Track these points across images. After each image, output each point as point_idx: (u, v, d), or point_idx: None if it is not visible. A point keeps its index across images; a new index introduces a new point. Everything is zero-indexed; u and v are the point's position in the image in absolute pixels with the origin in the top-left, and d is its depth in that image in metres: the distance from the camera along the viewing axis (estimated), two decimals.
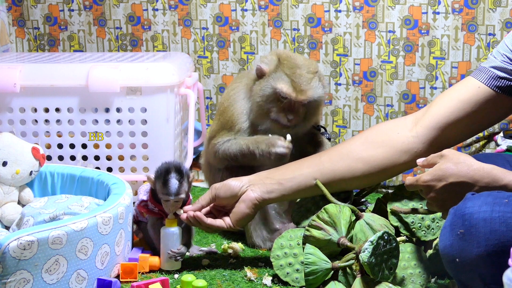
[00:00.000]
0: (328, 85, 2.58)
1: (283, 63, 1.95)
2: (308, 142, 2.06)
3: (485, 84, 1.65)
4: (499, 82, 1.64)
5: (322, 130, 2.12)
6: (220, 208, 1.82)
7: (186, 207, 1.82)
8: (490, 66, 1.66)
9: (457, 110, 1.67)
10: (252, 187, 1.78)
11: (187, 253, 1.90)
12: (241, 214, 1.78)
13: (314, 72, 1.96)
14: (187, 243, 1.85)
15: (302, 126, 1.99)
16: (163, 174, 1.80)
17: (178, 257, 1.81)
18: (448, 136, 1.69)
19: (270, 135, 1.94)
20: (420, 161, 1.59)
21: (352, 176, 1.74)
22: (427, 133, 1.69)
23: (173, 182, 1.79)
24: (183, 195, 1.81)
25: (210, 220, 1.79)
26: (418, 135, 1.70)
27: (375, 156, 1.72)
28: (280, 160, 1.91)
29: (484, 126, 1.73)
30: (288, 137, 1.93)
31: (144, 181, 2.11)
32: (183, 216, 1.80)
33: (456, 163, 1.48)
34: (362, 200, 1.93)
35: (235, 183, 1.79)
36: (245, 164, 1.99)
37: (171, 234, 1.81)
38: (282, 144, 1.91)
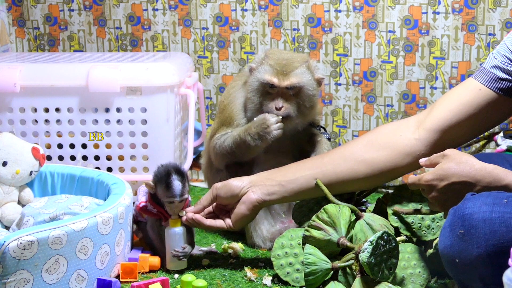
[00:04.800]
0: (326, 82, 2.58)
1: (269, 57, 1.98)
2: (307, 141, 2.06)
3: (486, 86, 1.65)
4: (500, 84, 1.64)
5: (322, 130, 2.12)
6: (221, 207, 1.83)
7: (187, 209, 1.82)
8: (490, 66, 1.66)
9: (459, 112, 1.67)
10: (253, 189, 1.78)
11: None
12: (241, 216, 1.79)
13: (302, 62, 1.97)
14: (191, 242, 1.85)
15: (297, 119, 1.98)
16: (164, 177, 1.80)
17: (182, 257, 1.81)
18: (450, 138, 1.69)
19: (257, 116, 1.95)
20: (422, 161, 1.59)
21: (354, 178, 1.74)
22: (430, 136, 1.69)
23: (176, 183, 1.79)
24: (186, 195, 1.81)
25: (209, 222, 1.80)
26: (420, 137, 1.70)
27: (377, 159, 1.72)
28: (276, 134, 1.91)
29: (486, 128, 1.73)
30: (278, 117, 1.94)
31: (143, 183, 2.11)
32: (184, 218, 1.81)
33: (458, 163, 1.48)
34: (363, 200, 1.93)
35: (236, 184, 1.79)
36: (242, 157, 1.99)
37: (175, 234, 1.81)
38: (271, 115, 1.92)
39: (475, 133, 1.73)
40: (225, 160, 2.02)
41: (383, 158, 1.72)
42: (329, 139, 2.11)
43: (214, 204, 1.83)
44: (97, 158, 2.21)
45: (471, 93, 1.67)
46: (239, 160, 2.01)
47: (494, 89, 1.64)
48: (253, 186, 1.78)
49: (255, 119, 1.95)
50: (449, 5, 2.45)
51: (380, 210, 1.83)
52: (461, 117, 1.67)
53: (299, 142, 2.05)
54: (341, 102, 2.59)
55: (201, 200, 1.83)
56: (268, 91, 1.96)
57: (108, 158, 2.22)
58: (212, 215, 1.83)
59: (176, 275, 1.80)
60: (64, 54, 2.56)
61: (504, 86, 1.64)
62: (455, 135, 1.69)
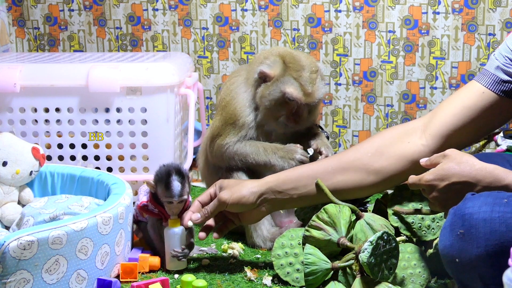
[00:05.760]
0: (328, 85, 2.59)
1: (289, 66, 1.94)
2: (304, 135, 2.06)
3: (489, 89, 1.65)
4: (503, 86, 1.64)
5: (320, 130, 2.13)
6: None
7: (193, 217, 1.79)
8: (493, 68, 1.65)
9: (463, 116, 1.67)
10: (265, 203, 1.77)
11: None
12: (253, 221, 1.84)
13: (316, 71, 1.98)
14: (190, 243, 1.85)
15: (304, 124, 2.00)
16: (164, 177, 1.80)
17: (181, 257, 1.81)
18: (455, 142, 1.69)
19: (287, 144, 1.98)
20: (423, 161, 1.59)
21: (364, 186, 1.74)
22: (435, 141, 1.69)
23: (176, 184, 1.79)
24: (185, 196, 1.81)
25: (223, 231, 1.82)
26: (428, 143, 1.70)
27: (388, 167, 1.72)
28: (295, 164, 1.95)
29: (490, 130, 1.73)
30: (310, 151, 1.99)
31: (144, 182, 2.11)
32: (202, 235, 1.79)
33: (459, 163, 1.48)
34: (364, 200, 1.93)
35: (247, 200, 1.75)
36: (254, 167, 1.99)
37: (174, 234, 1.81)
38: (302, 152, 1.96)
39: (479, 136, 1.73)
40: (233, 164, 2.01)
41: (393, 167, 1.72)
42: (327, 137, 2.11)
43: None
44: (97, 158, 2.21)
45: (474, 96, 1.66)
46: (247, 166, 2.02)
47: (497, 92, 1.64)
48: (265, 200, 1.76)
49: (286, 146, 1.97)
50: (449, 5, 2.45)
51: (380, 210, 1.83)
52: (465, 120, 1.67)
53: (297, 135, 2.05)
54: (341, 102, 2.59)
55: (208, 211, 1.79)
56: (287, 102, 1.95)
57: (108, 158, 2.22)
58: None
59: (176, 275, 1.80)
60: (64, 54, 2.56)
61: (507, 88, 1.64)
62: (459, 138, 1.69)
